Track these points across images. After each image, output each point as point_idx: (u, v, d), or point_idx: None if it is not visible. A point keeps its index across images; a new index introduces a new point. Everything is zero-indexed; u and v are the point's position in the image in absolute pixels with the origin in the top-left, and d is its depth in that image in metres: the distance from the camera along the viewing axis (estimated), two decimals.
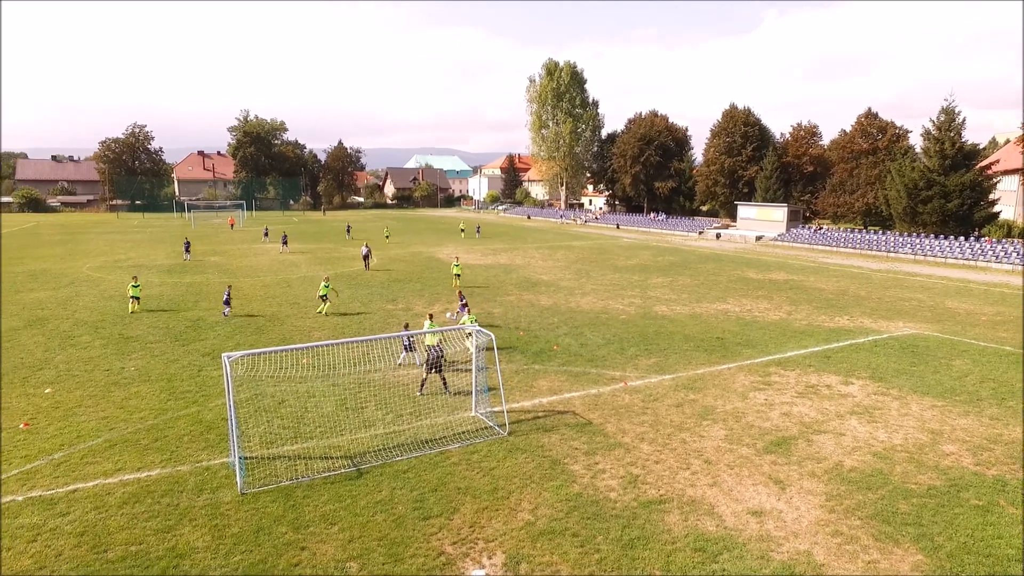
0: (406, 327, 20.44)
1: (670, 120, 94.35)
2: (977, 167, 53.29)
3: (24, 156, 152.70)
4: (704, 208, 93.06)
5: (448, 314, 26.81)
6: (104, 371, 19.09)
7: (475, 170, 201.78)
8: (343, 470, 12.63)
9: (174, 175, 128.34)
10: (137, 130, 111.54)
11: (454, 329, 18.22)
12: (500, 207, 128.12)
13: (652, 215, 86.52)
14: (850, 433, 14.68)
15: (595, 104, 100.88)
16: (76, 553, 9.76)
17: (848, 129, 73.34)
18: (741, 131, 76.97)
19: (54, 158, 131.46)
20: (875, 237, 55.09)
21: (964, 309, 29.54)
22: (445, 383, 17.24)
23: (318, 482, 12.13)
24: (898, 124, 69.57)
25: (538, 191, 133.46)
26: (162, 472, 12.49)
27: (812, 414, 15.91)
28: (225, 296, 27.25)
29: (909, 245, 51.21)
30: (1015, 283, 38.23)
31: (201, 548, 9.94)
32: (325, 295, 27.48)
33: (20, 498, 11.43)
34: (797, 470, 12.79)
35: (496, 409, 15.72)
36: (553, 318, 26.75)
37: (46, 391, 17.20)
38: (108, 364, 19.79)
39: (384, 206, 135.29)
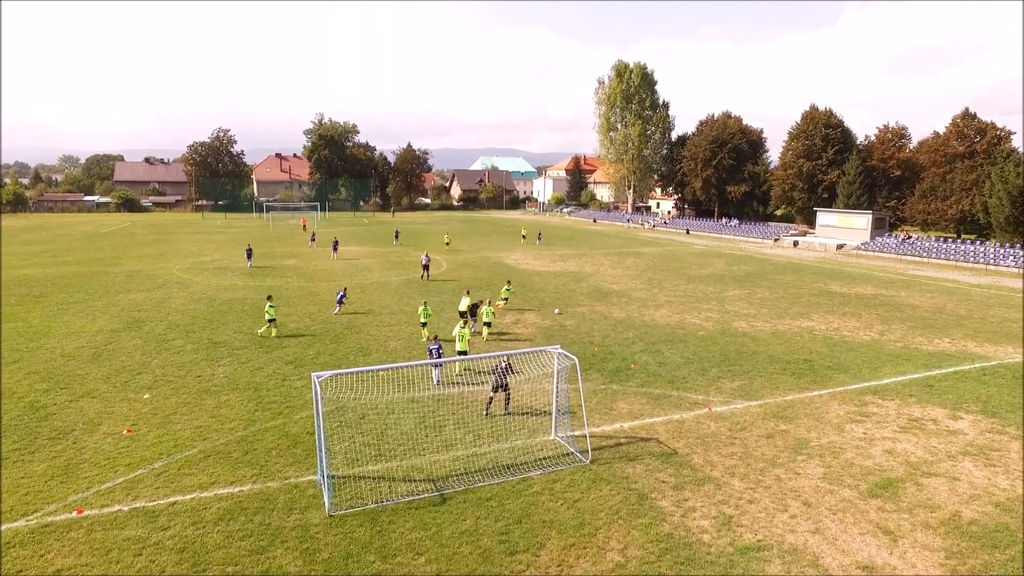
0: (434, 338, 19.33)
1: (744, 121, 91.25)
2: None
3: (121, 159, 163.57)
4: (778, 213, 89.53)
5: (556, 310, 30.09)
6: (196, 377, 19.93)
7: (540, 171, 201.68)
8: (426, 494, 12.59)
9: (253, 176, 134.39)
10: (221, 134, 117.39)
11: (507, 355, 17.02)
12: (565, 209, 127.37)
13: (724, 220, 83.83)
14: (965, 477, 13.50)
15: (665, 105, 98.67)
16: (178, 571, 10.08)
17: (940, 130, 68.83)
18: (822, 133, 73.45)
19: (147, 160, 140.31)
20: (972, 248, 51.27)
21: None
22: (507, 403, 16.96)
23: (402, 506, 12.13)
24: (1000, 124, 64.70)
25: (604, 193, 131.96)
26: (253, 488, 12.81)
27: (919, 452, 14.75)
28: (341, 296, 29.44)
29: (1012, 257, 47.36)
30: None
31: (293, 573, 10.07)
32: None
33: (126, 508, 11.96)
34: (908, 519, 11.82)
35: (577, 433, 15.37)
36: (627, 332, 26.11)
37: (144, 397, 18.08)
38: (200, 370, 20.66)
39: (451, 208, 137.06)
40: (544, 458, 14.33)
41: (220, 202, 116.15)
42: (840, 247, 60.52)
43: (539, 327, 27.02)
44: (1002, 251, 49.00)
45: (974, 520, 11.79)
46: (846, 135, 75.12)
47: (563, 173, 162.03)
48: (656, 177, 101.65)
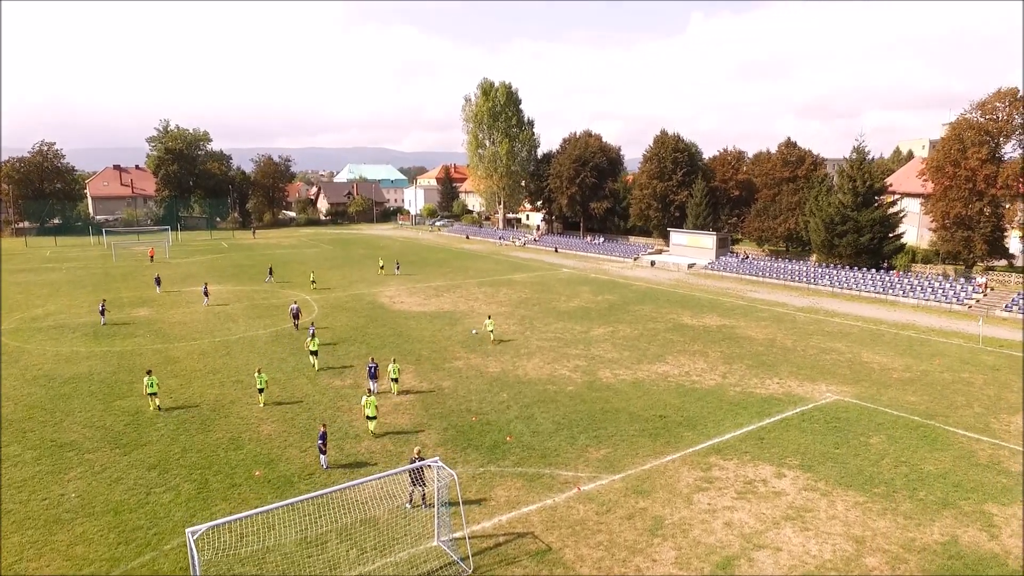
0: (323, 425, 20.22)
1: (603, 140, 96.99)
2: (885, 201, 57.69)
3: None
4: (639, 224, 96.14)
5: (473, 331, 34.62)
6: (42, 500, 18.27)
7: (411, 179, 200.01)
8: None
9: (87, 191, 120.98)
10: (45, 147, 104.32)
11: (415, 467, 17.92)
12: (438, 222, 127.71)
13: (589, 238, 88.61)
14: (786, 548, 15.99)
15: (531, 123, 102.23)
16: None
17: (767, 148, 77.93)
18: (671, 157, 79.93)
19: None
20: (797, 268, 58.68)
21: (878, 363, 32.11)
22: (424, 498, 17.93)
23: None
24: (815, 153, 74.33)
25: (475, 201, 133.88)
26: None
27: (751, 522, 17.17)
28: (371, 370, 27.13)
29: (827, 277, 54.87)
30: (920, 323, 41.76)
31: None
32: (263, 388, 25.91)
33: None
34: None
35: (458, 535, 16.17)
36: (502, 394, 27.33)
37: None
38: (45, 489, 18.92)
39: (318, 223, 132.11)
40: (427, 572, 14.97)
41: (47, 223, 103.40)
42: (691, 266, 66.54)
43: (418, 393, 27.45)
44: (819, 271, 56.59)
45: None
46: (693, 158, 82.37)
47: (434, 182, 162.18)
48: (525, 193, 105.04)
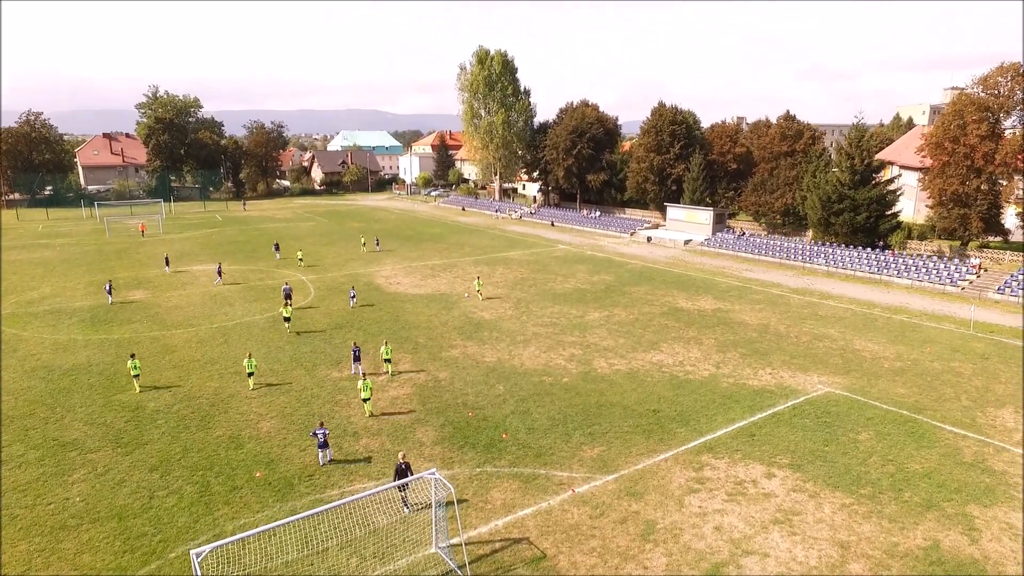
0: (320, 424, 20.91)
1: (600, 110, 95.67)
2: (882, 178, 57.44)
3: None
4: (636, 197, 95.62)
5: (466, 295, 41.11)
6: (47, 505, 18.63)
7: (405, 145, 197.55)
8: None
9: (77, 160, 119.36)
10: (32, 117, 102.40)
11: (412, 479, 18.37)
12: (433, 192, 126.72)
13: (585, 212, 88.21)
14: (773, 554, 16.51)
15: (527, 93, 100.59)
16: None
17: (766, 116, 77.15)
18: (669, 129, 79.03)
19: None
20: (793, 245, 58.71)
21: (870, 351, 32.51)
22: (405, 500, 18.26)
23: None
24: (814, 126, 73.56)
25: (471, 170, 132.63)
26: None
27: (740, 526, 17.67)
28: (354, 352, 28.72)
29: (823, 255, 54.99)
30: (913, 306, 42.11)
31: None
32: (252, 372, 27.29)
33: None
34: None
35: (455, 542, 16.63)
36: (499, 386, 27.65)
37: None
38: (51, 493, 19.27)
39: (312, 192, 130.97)
40: None
41: (38, 195, 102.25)
42: (687, 243, 66.49)
43: (415, 385, 27.76)
44: (815, 249, 56.65)
45: None
46: (691, 130, 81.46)
47: (429, 149, 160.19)
48: (521, 164, 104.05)
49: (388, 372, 28.83)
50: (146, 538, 17.10)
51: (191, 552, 12.95)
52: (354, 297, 40.54)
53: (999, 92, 51.76)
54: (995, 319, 39.00)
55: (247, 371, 27.14)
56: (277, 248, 59.57)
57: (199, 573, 12.62)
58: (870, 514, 18.24)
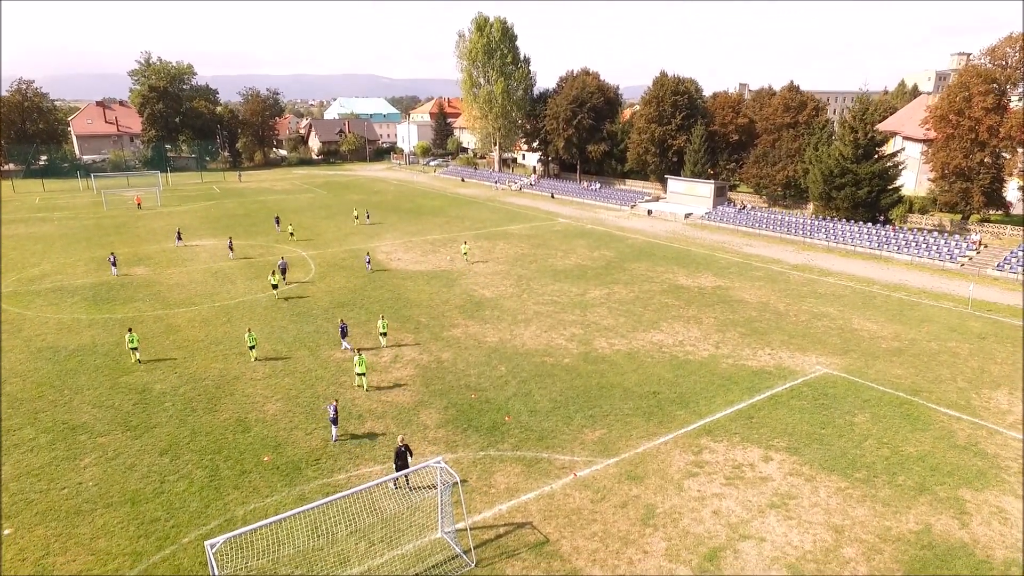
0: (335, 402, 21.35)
1: (601, 78, 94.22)
2: (884, 152, 57.00)
3: None
4: (636, 168, 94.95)
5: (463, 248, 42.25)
6: (61, 490, 19.05)
7: (403, 112, 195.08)
8: None
9: (71, 129, 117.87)
10: (24, 86, 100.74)
11: (417, 469, 18.96)
12: (432, 162, 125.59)
13: (585, 183, 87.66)
14: (769, 538, 17.00)
15: (527, 61, 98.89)
16: None
17: (770, 85, 76.13)
18: (671, 100, 77.99)
19: None
20: (794, 220, 58.59)
21: (868, 331, 32.80)
22: (408, 480, 18.85)
23: None
24: (818, 96, 72.59)
25: (470, 139, 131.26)
26: None
27: (738, 511, 18.15)
28: (342, 329, 30.11)
29: (823, 230, 54.94)
30: (912, 283, 42.30)
31: None
32: (253, 345, 28.62)
33: None
34: None
35: (460, 526, 17.10)
36: (501, 367, 27.97)
37: (6, 532, 17.17)
38: (64, 477, 19.67)
39: (310, 162, 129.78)
40: (433, 565, 15.94)
41: (33, 165, 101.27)
42: (688, 216, 66.29)
43: (418, 366, 28.08)
44: (816, 223, 56.57)
45: None
46: (692, 100, 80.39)
47: (427, 117, 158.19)
48: (521, 134, 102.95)
49: (384, 345, 30.27)
50: (159, 523, 17.55)
51: (205, 543, 13.33)
52: (369, 263, 44.02)
53: (1006, 63, 51.08)
54: (994, 297, 39.24)
55: (248, 344, 28.32)
56: (278, 222, 59.64)
57: (213, 563, 13.01)
58: (864, 498, 18.72)
